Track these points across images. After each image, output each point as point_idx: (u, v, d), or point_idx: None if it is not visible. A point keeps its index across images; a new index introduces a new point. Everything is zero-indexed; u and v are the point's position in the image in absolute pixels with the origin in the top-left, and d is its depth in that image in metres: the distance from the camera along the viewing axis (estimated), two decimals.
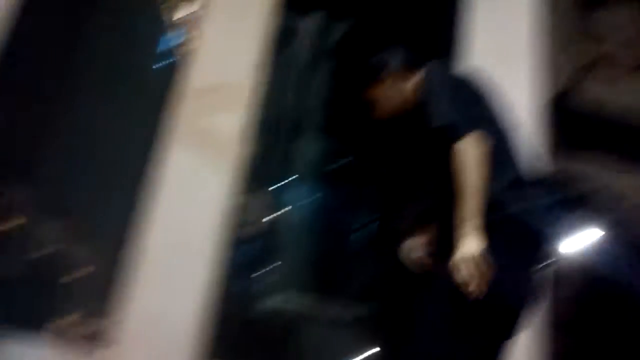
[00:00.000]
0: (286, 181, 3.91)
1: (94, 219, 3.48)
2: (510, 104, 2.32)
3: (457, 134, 1.97)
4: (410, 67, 2.33)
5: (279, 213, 3.83)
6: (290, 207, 3.85)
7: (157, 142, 3.44)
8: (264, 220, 3.77)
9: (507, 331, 2.00)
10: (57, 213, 3.54)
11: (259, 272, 3.58)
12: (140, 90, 3.86)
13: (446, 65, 2.53)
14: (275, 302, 3.47)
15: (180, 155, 3.42)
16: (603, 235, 3.00)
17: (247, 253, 3.55)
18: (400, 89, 2.32)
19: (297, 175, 3.95)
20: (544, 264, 2.04)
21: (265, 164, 3.73)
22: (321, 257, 3.69)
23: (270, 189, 3.86)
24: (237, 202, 3.43)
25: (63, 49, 3.93)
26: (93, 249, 3.49)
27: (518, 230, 1.99)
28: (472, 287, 1.87)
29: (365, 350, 3.30)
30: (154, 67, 4.09)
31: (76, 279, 3.45)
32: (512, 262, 1.97)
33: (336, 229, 3.83)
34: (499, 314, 1.96)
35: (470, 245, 1.89)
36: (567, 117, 3.62)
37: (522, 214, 1.98)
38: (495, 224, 1.93)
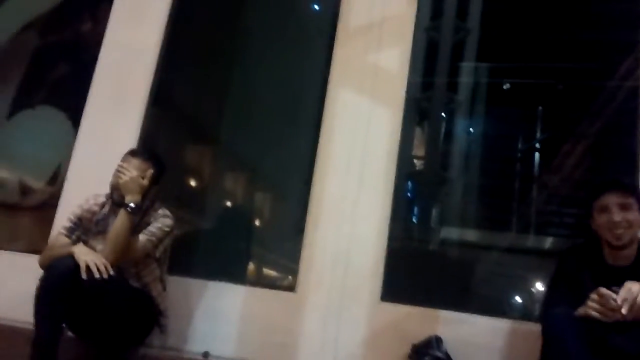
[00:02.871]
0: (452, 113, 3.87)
1: (274, 169, 3.71)
2: None
3: None
4: None
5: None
6: (457, 139, 3.84)
7: (325, 86, 3.53)
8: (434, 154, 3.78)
9: None
10: (240, 167, 3.82)
11: (430, 207, 3.65)
12: (304, 35, 3.96)
13: None
14: (448, 235, 3.52)
15: (349, 94, 3.50)
16: None
17: (417, 187, 3.62)
18: None
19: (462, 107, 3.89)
20: None
21: (430, 97, 3.72)
22: (491, 188, 3.68)
23: (436, 121, 3.84)
24: (404, 137, 3.45)
25: (226, 12, 4.13)
26: (275, 197, 3.73)
27: None
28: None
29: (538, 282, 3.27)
30: (314, 8, 4.18)
31: (261, 225, 3.74)
32: None
33: (505, 158, 3.78)
34: None
35: None
36: None
37: None
38: None
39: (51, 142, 4.11)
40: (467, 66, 4.01)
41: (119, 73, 3.89)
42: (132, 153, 3.11)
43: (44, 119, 4.23)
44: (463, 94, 3.95)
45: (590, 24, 3.74)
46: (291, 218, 3.43)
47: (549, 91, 3.92)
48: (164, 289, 3.02)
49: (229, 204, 3.91)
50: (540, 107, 3.96)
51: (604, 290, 2.18)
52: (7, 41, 4.63)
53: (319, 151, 3.43)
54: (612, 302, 2.14)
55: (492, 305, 3.04)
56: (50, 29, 4.67)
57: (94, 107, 3.87)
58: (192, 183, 4.03)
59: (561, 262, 2.62)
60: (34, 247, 3.49)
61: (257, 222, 3.85)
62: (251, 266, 3.62)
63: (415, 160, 3.79)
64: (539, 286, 3.18)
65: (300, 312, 3.18)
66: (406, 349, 2.79)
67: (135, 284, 2.90)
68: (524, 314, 2.92)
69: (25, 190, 4.15)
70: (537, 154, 3.95)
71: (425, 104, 3.70)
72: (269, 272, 3.62)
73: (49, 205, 3.81)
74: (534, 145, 3.93)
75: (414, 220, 3.60)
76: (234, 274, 3.52)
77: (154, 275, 2.97)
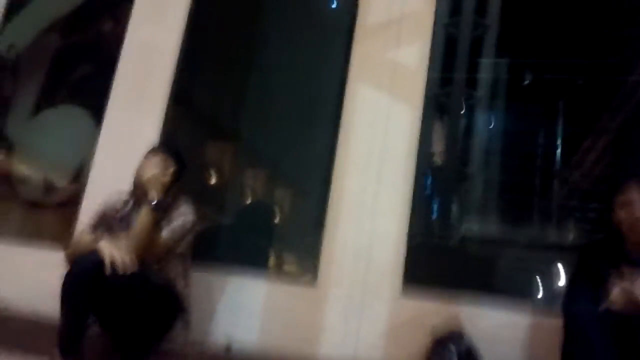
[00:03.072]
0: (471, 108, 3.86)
1: (294, 166, 3.73)
2: None
3: None
4: None
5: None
6: (476, 133, 3.83)
7: (343, 83, 3.54)
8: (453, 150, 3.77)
9: None
10: (260, 164, 3.86)
11: (450, 201, 3.64)
12: (322, 33, 3.97)
13: None
14: (469, 229, 3.52)
15: (368, 90, 3.51)
16: None
17: (437, 182, 3.62)
18: None
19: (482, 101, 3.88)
20: None
21: (449, 92, 3.71)
22: (512, 182, 3.66)
23: (455, 116, 3.83)
24: (424, 132, 3.46)
25: (244, 10, 4.16)
26: (295, 193, 3.75)
27: None
28: None
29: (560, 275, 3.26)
30: (332, 6, 4.19)
31: (281, 221, 3.76)
32: None
33: (525, 153, 3.76)
34: None
35: None
36: None
37: None
38: None
39: (74, 140, 4.17)
40: (486, 62, 4.00)
41: (140, 72, 3.93)
42: (154, 150, 3.14)
43: (66, 117, 4.29)
44: (482, 90, 3.94)
45: (610, 18, 3.71)
46: (311, 214, 3.44)
47: (569, 86, 3.90)
48: (187, 284, 3.05)
49: (249, 200, 3.93)
50: (560, 103, 3.94)
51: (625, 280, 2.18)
52: (30, 42, 4.70)
53: (338, 147, 3.45)
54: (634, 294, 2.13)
55: (513, 299, 3.03)
56: (72, 29, 4.74)
57: (116, 106, 3.91)
58: (213, 180, 4.06)
59: (583, 257, 2.60)
60: (59, 243, 3.54)
61: (277, 218, 3.87)
62: (272, 261, 3.64)
63: (435, 156, 3.79)
64: (561, 280, 3.17)
65: (321, 307, 3.19)
66: (425, 343, 2.78)
67: (158, 280, 2.92)
68: (545, 308, 2.90)
69: (49, 187, 4.22)
70: (558, 150, 3.93)
71: (444, 100, 3.70)
72: (290, 267, 3.63)
73: (73, 202, 3.86)
74: (555, 140, 3.91)
75: (435, 215, 3.60)
76: (256, 270, 3.54)
77: (176, 271, 2.99)
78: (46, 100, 4.55)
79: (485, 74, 4.01)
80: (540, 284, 3.25)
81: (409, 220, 3.25)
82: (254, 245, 3.69)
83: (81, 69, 4.52)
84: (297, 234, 3.66)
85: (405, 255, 3.19)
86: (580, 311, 2.28)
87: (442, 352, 2.64)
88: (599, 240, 2.66)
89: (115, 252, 2.74)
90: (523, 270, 3.30)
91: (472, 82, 3.89)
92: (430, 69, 3.50)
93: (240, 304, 3.33)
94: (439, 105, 3.64)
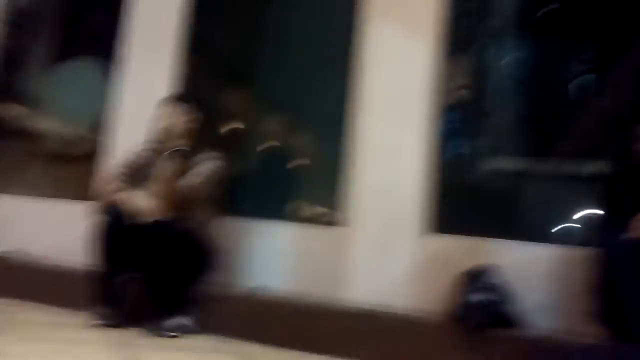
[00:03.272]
0: (489, 39, 3.74)
1: (312, 108, 3.70)
2: None
3: None
4: None
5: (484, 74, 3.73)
6: (496, 65, 3.73)
7: (356, 21, 3.47)
8: (472, 83, 3.68)
9: None
10: (279, 108, 3.82)
11: (472, 137, 3.58)
12: None
13: None
14: (492, 164, 3.48)
15: (381, 28, 3.44)
16: None
17: (458, 119, 3.56)
18: None
19: (500, 32, 3.76)
20: None
21: (466, 24, 3.61)
22: (534, 115, 3.58)
23: (474, 49, 3.73)
24: (442, 68, 3.40)
25: None
26: (315, 137, 3.73)
27: None
28: None
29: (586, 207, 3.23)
30: None
31: (302, 167, 3.75)
32: None
33: (547, 84, 3.67)
34: None
35: None
36: None
37: None
38: None
39: (91, 91, 4.15)
40: None
41: (153, 19, 3.89)
42: (171, 98, 3.15)
43: (82, 69, 4.26)
44: (502, 20, 3.81)
45: None
46: (333, 157, 3.42)
47: (595, 11, 3.75)
48: (214, 229, 3.08)
49: (270, 145, 3.91)
50: (586, 29, 3.79)
51: None
52: None
53: (356, 88, 3.41)
54: None
55: (540, 233, 3.03)
56: None
57: (130, 55, 3.89)
58: (232, 126, 4.04)
59: (612, 188, 2.59)
60: (81, 195, 3.59)
61: (299, 162, 3.85)
62: (296, 204, 3.64)
63: (455, 92, 3.71)
64: (587, 213, 3.15)
65: (345, 248, 3.22)
66: (452, 280, 2.79)
67: (185, 226, 2.95)
68: (572, 240, 2.90)
69: (69, 140, 4.23)
70: (582, 78, 3.83)
71: (462, 33, 3.59)
72: (314, 211, 3.63)
73: (93, 154, 3.88)
74: (580, 69, 3.80)
75: (457, 152, 3.56)
76: (280, 213, 3.57)
77: (203, 216, 3.03)
78: (59, 52, 4.51)
79: (504, 3, 3.88)
80: (566, 216, 3.23)
81: (430, 158, 3.23)
82: (277, 190, 3.70)
83: (94, 19, 4.46)
84: (319, 177, 3.65)
85: (428, 193, 3.18)
86: (611, 242, 2.27)
87: (472, 287, 2.66)
88: (624, 172, 2.63)
89: (140, 201, 2.78)
90: (549, 203, 3.28)
91: (491, 12, 3.77)
92: (446, 2, 3.41)
93: (266, 248, 3.37)
94: (457, 39, 3.54)
